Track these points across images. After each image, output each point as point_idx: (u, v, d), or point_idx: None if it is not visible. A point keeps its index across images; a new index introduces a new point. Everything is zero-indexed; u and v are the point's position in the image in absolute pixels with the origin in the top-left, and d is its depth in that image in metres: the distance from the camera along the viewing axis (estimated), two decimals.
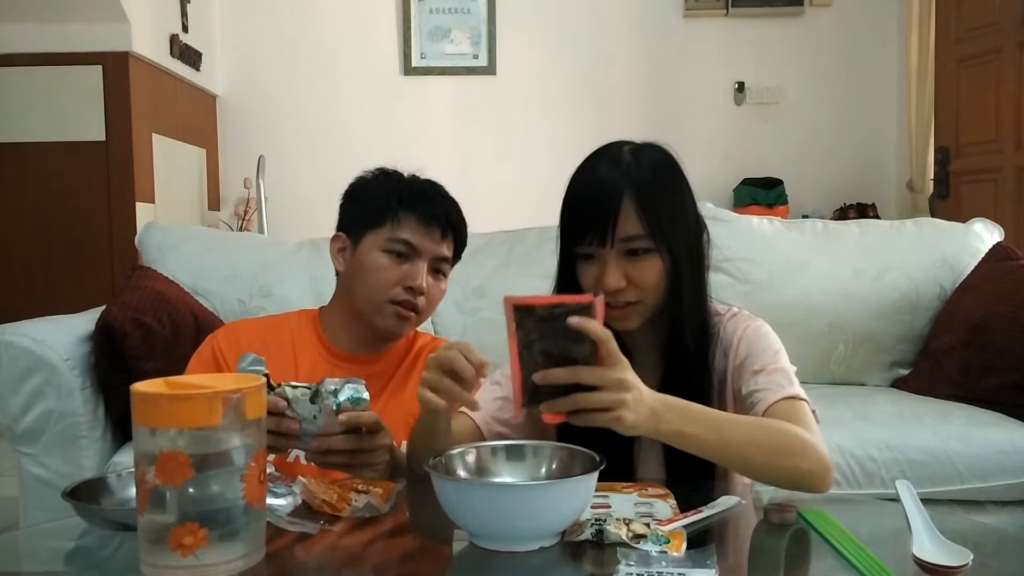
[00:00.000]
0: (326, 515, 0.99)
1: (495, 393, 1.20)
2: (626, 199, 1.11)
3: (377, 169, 1.44)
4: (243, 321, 1.56)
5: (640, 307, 1.15)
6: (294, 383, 1.12)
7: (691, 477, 1.11)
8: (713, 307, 1.23)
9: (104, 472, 1.56)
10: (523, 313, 0.89)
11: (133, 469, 0.84)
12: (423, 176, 1.43)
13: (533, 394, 0.91)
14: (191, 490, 0.79)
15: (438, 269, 1.39)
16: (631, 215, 1.11)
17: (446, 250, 1.39)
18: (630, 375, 0.93)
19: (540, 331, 0.90)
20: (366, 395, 1.10)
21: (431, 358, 1.00)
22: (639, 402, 0.93)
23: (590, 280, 1.15)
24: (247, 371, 1.07)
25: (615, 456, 0.96)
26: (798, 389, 1.12)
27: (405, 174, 1.42)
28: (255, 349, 1.31)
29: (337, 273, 1.44)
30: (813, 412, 1.11)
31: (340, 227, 1.44)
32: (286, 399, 1.09)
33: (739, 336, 1.18)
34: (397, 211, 1.35)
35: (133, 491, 0.87)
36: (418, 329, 1.48)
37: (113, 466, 1.73)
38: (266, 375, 1.06)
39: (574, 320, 0.89)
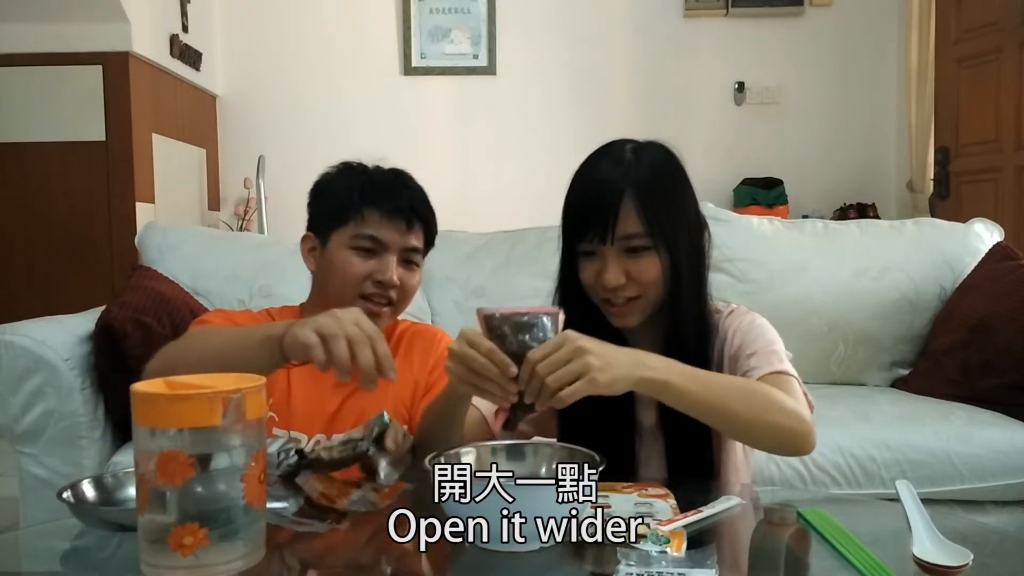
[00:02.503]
0: (327, 510, 0.98)
1: None
2: (626, 197, 1.12)
3: (341, 163, 1.41)
4: (232, 312, 1.53)
5: (640, 303, 1.16)
6: (326, 444, 1.07)
7: (692, 475, 1.11)
8: (714, 305, 1.24)
9: (104, 472, 1.56)
10: (491, 322, 0.97)
11: (133, 469, 0.84)
12: (387, 166, 1.39)
13: (511, 408, 0.97)
14: (191, 490, 0.79)
15: (409, 260, 1.37)
16: (631, 213, 1.12)
17: (414, 240, 1.36)
18: (584, 342, 0.94)
19: (506, 337, 0.96)
20: (387, 418, 1.05)
21: (452, 352, 0.98)
22: (608, 360, 0.95)
23: (590, 277, 1.16)
24: (282, 450, 1.03)
25: (617, 453, 0.97)
26: (789, 367, 1.14)
27: (369, 166, 1.39)
28: None
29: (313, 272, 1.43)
30: (806, 395, 1.13)
31: (309, 226, 1.42)
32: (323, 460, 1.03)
33: (734, 329, 1.20)
34: (360, 207, 1.33)
35: (131, 491, 0.87)
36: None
37: (113, 466, 1.73)
38: (299, 451, 1.03)
39: None
